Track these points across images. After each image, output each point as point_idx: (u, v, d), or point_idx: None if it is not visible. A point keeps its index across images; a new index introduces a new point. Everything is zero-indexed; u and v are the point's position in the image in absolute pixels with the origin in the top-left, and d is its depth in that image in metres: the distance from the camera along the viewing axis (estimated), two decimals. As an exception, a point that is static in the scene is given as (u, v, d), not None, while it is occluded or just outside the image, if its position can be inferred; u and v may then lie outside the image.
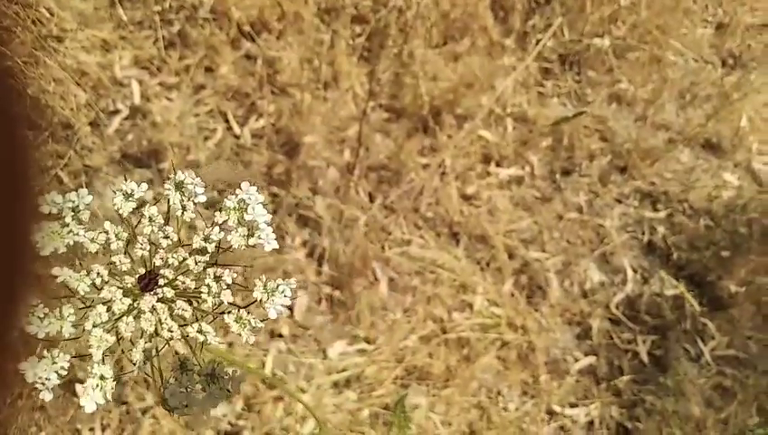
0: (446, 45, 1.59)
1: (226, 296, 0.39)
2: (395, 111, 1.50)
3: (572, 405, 1.29)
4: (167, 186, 0.41)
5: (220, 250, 0.40)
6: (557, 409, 1.28)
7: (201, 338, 0.38)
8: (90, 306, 0.39)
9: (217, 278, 0.39)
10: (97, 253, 0.39)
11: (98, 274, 0.38)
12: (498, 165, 1.50)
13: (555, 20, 1.62)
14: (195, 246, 0.39)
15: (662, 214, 1.50)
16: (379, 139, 1.46)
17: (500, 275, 1.38)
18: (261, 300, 0.39)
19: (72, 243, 0.38)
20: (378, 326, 1.29)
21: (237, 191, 0.41)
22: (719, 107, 1.60)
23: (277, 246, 0.40)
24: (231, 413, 1.17)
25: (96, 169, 1.34)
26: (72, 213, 0.39)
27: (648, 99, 1.62)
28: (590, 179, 1.52)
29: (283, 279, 0.39)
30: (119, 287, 0.38)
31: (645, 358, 1.34)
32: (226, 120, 1.45)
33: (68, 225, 0.39)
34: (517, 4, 1.64)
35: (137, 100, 1.42)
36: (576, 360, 1.33)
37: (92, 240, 0.39)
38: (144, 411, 1.15)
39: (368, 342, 1.28)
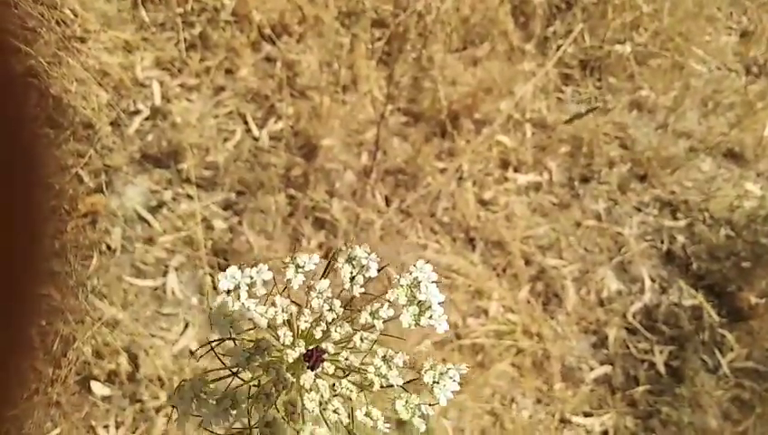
0: (465, 50, 1.58)
1: (396, 379, 0.37)
2: (413, 114, 1.49)
3: (587, 414, 1.28)
4: (340, 258, 0.38)
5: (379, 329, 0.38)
6: (571, 417, 1.27)
7: (369, 423, 0.36)
8: (240, 377, 0.37)
9: (387, 359, 0.37)
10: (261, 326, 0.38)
11: (265, 350, 0.37)
12: (516, 171, 1.49)
13: (576, 26, 1.61)
14: (361, 321, 0.37)
15: (682, 223, 1.48)
16: (397, 142, 1.46)
17: (516, 281, 1.37)
18: (430, 385, 0.38)
19: (243, 315, 0.37)
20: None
21: (411, 269, 0.39)
22: (742, 116, 1.58)
23: (447, 328, 0.39)
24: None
25: (116, 168, 1.35)
26: (248, 288, 0.38)
27: (669, 106, 1.60)
28: (609, 187, 1.50)
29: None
30: (282, 362, 0.36)
31: (662, 368, 1.32)
32: (245, 122, 1.46)
33: (240, 298, 0.38)
34: (538, 10, 1.64)
35: (157, 100, 1.44)
36: (591, 369, 1.32)
37: (263, 315, 0.37)
38: (158, 410, 1.16)
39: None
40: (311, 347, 0.36)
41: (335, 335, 0.37)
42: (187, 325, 1.24)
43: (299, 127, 1.44)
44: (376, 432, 0.36)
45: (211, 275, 1.28)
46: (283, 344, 0.36)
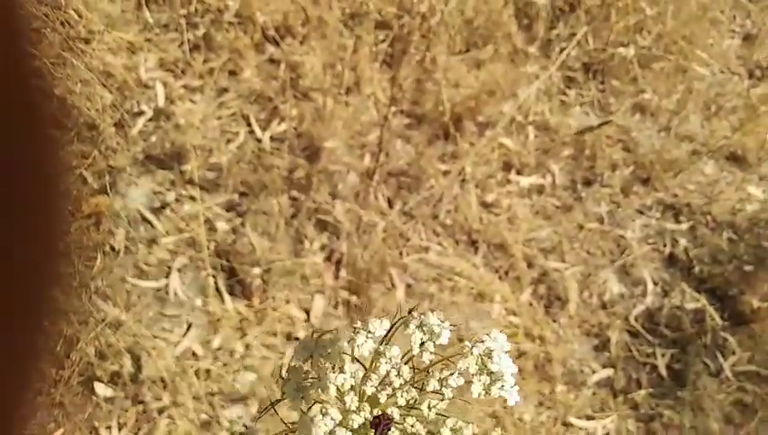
0: (468, 52, 1.59)
1: None
2: (416, 117, 1.50)
3: (589, 417, 1.28)
4: (412, 324, 0.37)
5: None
6: (573, 421, 1.27)
7: None
8: None
9: (456, 431, 0.36)
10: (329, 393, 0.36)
11: (332, 418, 0.35)
12: (519, 173, 1.49)
13: (580, 28, 1.61)
14: (429, 389, 0.36)
15: (684, 226, 1.48)
16: (400, 145, 1.46)
17: (518, 284, 1.37)
18: None
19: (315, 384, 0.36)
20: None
21: (485, 337, 0.37)
22: (745, 119, 1.58)
23: (519, 400, 0.37)
24: (246, 415, 1.18)
25: (120, 169, 1.36)
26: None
27: (672, 109, 1.60)
28: (611, 190, 1.50)
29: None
30: (347, 429, 0.35)
31: (664, 372, 1.32)
32: (249, 124, 1.46)
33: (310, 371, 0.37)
34: (542, 12, 1.64)
35: (161, 102, 1.44)
36: (593, 372, 1.32)
37: (332, 382, 0.36)
38: (160, 411, 1.16)
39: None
40: (378, 414, 0.35)
41: (401, 401, 0.36)
42: (189, 327, 1.25)
43: (302, 129, 1.44)
44: None
45: (214, 276, 1.28)
46: (348, 410, 0.35)
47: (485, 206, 1.44)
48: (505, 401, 0.38)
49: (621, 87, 1.62)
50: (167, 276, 1.28)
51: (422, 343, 0.36)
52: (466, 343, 0.37)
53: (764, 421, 1.26)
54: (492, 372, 0.37)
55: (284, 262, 1.30)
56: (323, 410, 0.35)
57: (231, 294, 1.28)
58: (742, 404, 1.29)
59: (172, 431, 1.15)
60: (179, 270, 1.29)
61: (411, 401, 0.36)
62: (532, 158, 1.50)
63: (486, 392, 0.36)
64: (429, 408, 0.35)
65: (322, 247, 1.33)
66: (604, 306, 1.38)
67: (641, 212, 1.49)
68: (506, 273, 1.37)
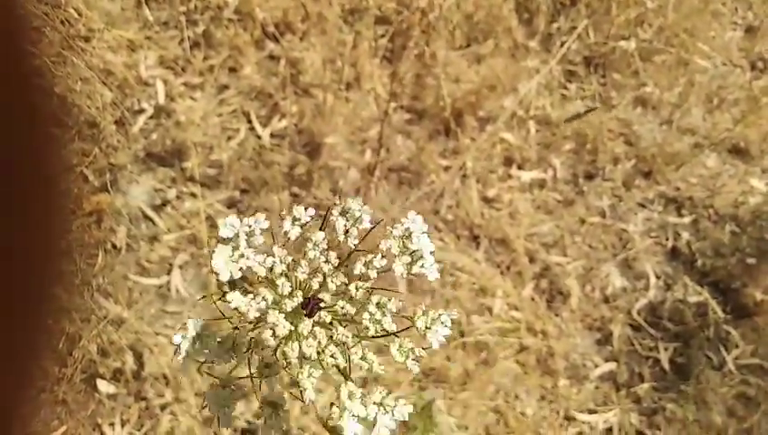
0: (469, 47, 1.58)
1: (389, 324, 0.38)
2: (416, 112, 1.49)
3: (591, 411, 1.28)
4: (335, 211, 0.40)
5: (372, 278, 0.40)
6: (575, 414, 1.27)
7: (365, 365, 0.38)
8: (236, 328, 0.39)
9: (380, 306, 0.39)
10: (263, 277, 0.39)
11: (263, 298, 0.38)
12: (520, 168, 1.49)
13: (580, 22, 1.61)
14: (356, 272, 0.39)
15: (687, 219, 1.48)
16: (401, 140, 1.46)
17: (520, 278, 1.37)
18: (423, 330, 0.40)
19: (245, 268, 0.39)
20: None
21: (404, 220, 0.41)
22: (747, 111, 1.57)
23: (438, 276, 0.40)
24: (248, 411, 1.18)
25: (120, 166, 1.36)
26: (247, 237, 0.39)
27: (674, 102, 1.60)
28: (613, 184, 1.50)
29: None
30: (281, 311, 0.38)
31: (666, 365, 1.32)
32: (249, 121, 1.46)
33: (239, 248, 0.39)
34: (542, 6, 1.63)
35: (161, 99, 1.44)
36: (596, 366, 1.32)
37: (261, 264, 0.38)
38: (163, 407, 1.17)
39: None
40: (307, 296, 0.38)
41: (332, 286, 0.38)
42: (191, 323, 1.25)
43: (303, 125, 1.44)
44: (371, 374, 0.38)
45: (216, 273, 1.28)
46: (281, 295, 0.38)
47: (487, 201, 1.44)
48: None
49: (623, 80, 1.62)
50: (168, 273, 1.28)
51: (346, 231, 0.40)
52: (388, 227, 0.40)
53: (767, 414, 1.26)
54: (413, 252, 0.40)
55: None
56: (255, 292, 0.38)
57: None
58: (745, 397, 1.29)
59: (174, 427, 1.15)
60: (181, 267, 1.29)
61: (341, 286, 0.39)
62: (534, 152, 1.50)
63: (409, 272, 0.40)
64: (357, 289, 0.38)
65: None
66: (606, 300, 1.38)
67: (643, 206, 1.49)
68: (508, 268, 1.37)
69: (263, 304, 0.38)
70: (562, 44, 1.59)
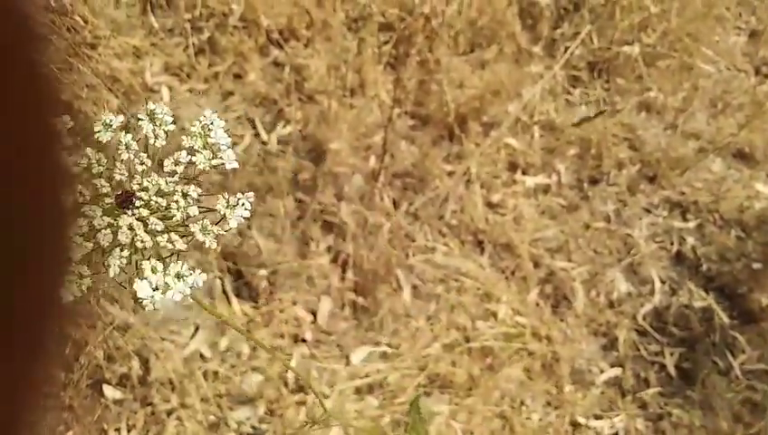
0: (472, 52, 1.59)
1: (193, 210, 0.43)
2: (420, 118, 1.50)
3: (597, 417, 1.27)
4: (140, 116, 0.44)
5: (197, 176, 0.45)
6: (581, 420, 1.26)
7: (171, 247, 0.42)
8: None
9: (185, 195, 0.43)
10: (80, 176, 0.43)
11: (80, 193, 0.42)
12: (524, 173, 1.49)
13: (584, 27, 1.61)
14: (166, 169, 0.43)
15: (692, 224, 1.47)
16: (405, 146, 1.46)
17: (525, 284, 1.37)
18: (224, 214, 0.45)
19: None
20: (401, 333, 1.28)
21: (201, 118, 0.45)
22: (752, 116, 1.57)
23: (237, 166, 0.46)
24: (254, 416, 1.18)
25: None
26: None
27: (678, 107, 1.59)
28: (618, 188, 1.50)
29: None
30: (99, 206, 0.42)
31: (672, 371, 1.32)
32: (254, 127, 1.47)
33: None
34: (546, 12, 1.64)
35: (167, 106, 1.44)
36: (601, 371, 1.32)
37: (77, 164, 0.42)
38: (169, 413, 1.17)
39: (391, 348, 1.28)
40: (119, 192, 0.43)
41: (148, 185, 0.43)
42: (197, 329, 1.25)
43: (307, 131, 1.45)
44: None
45: (221, 278, 1.29)
46: (100, 194, 0.42)
47: (491, 206, 1.44)
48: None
49: (627, 85, 1.62)
50: (174, 279, 1.28)
51: (156, 136, 0.44)
52: (188, 126, 0.45)
53: (774, 420, 1.25)
54: (212, 145, 0.45)
55: (291, 264, 1.31)
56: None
57: (238, 296, 1.28)
58: (751, 403, 1.28)
59: (180, 433, 1.15)
60: (186, 273, 1.29)
61: (155, 184, 0.43)
62: (538, 157, 1.50)
63: (210, 165, 0.44)
64: (167, 184, 0.43)
65: (328, 249, 1.34)
66: (611, 305, 1.37)
67: (648, 210, 1.49)
68: (513, 273, 1.37)
69: (80, 199, 0.42)
70: (566, 50, 1.59)
